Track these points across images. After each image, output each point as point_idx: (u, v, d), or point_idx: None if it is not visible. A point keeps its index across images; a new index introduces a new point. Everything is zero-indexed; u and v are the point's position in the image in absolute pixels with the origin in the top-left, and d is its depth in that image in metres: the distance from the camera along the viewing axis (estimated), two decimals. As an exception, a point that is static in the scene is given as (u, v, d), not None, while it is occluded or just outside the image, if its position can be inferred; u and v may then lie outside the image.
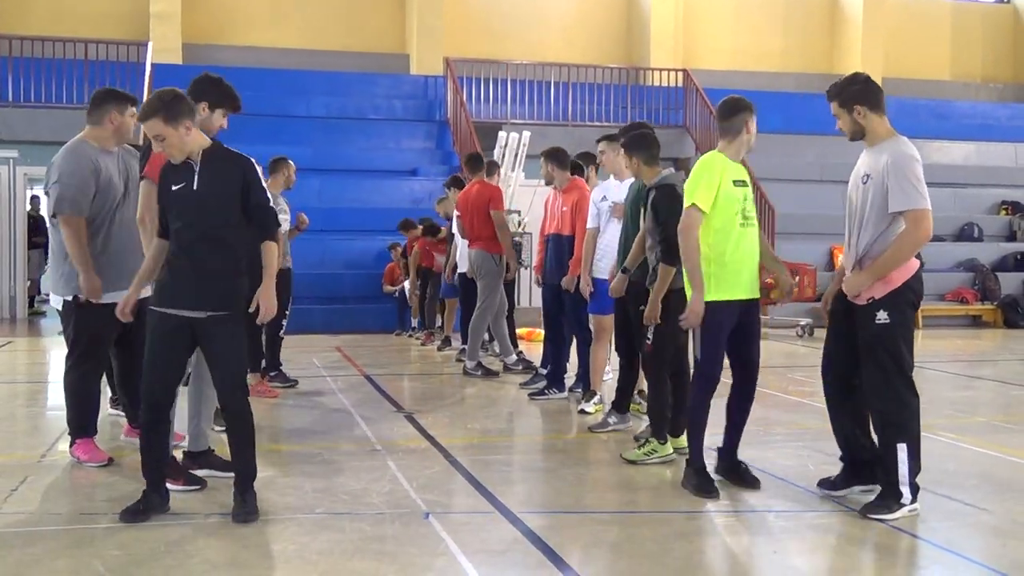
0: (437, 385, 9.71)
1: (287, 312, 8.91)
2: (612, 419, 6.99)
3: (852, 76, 5.12)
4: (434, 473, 5.78)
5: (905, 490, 4.82)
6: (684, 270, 5.36)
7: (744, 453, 6.33)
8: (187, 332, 4.75)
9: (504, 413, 8.04)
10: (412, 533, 4.62)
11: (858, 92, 4.98)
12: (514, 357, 10.01)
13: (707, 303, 5.22)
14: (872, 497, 4.98)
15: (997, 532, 4.82)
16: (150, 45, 17.30)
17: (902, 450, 4.82)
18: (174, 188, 4.76)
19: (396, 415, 7.73)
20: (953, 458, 6.36)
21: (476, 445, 6.70)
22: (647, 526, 4.84)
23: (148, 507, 4.71)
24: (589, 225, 7.64)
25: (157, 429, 4.76)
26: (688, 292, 5.31)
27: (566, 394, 8.42)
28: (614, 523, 4.88)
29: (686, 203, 5.29)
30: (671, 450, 6.09)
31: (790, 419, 7.50)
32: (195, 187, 4.72)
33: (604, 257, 7.41)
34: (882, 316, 4.87)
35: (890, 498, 4.83)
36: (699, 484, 5.32)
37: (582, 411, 7.62)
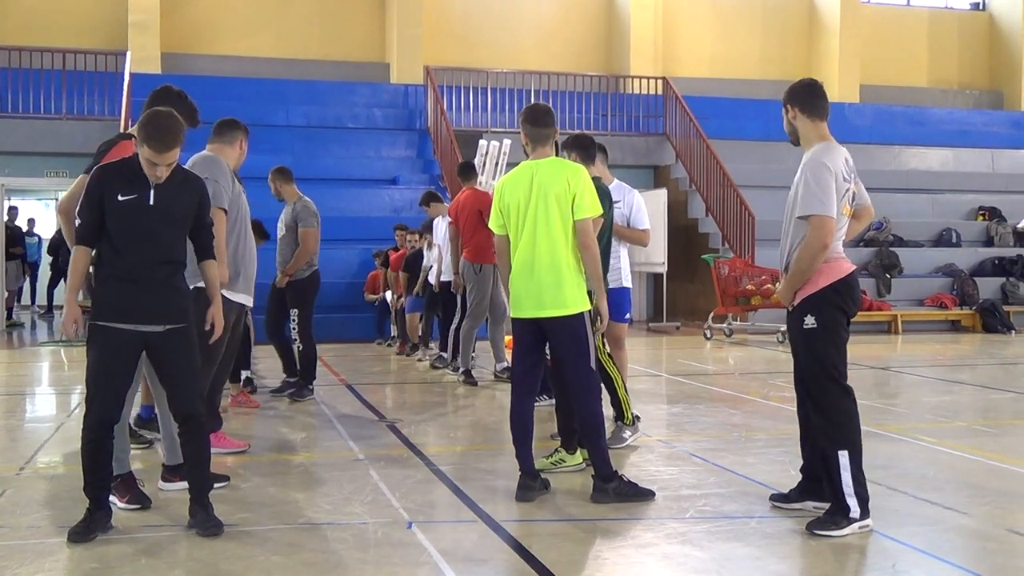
0: (419, 394, 9.70)
1: (294, 320, 8.88)
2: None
3: (801, 80, 5.05)
4: (416, 482, 5.77)
5: (852, 502, 4.67)
6: (597, 276, 5.40)
7: (725, 458, 6.38)
8: (139, 347, 4.71)
9: (487, 421, 8.04)
10: (395, 542, 4.61)
11: (794, 94, 4.94)
12: (505, 364, 10.02)
13: (588, 312, 5.37)
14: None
15: (977, 536, 4.84)
16: (128, 55, 17.23)
17: (843, 457, 4.69)
18: (121, 198, 4.61)
19: (378, 424, 7.72)
20: (933, 462, 6.40)
21: (459, 453, 6.70)
22: (630, 534, 4.84)
23: (94, 526, 4.62)
24: None
25: (104, 447, 4.70)
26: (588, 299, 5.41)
27: (553, 401, 8.42)
28: (596, 531, 4.88)
29: (595, 214, 5.37)
30: (580, 460, 6.03)
31: (771, 425, 7.53)
32: (151, 202, 4.65)
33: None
34: (809, 321, 4.79)
35: (838, 514, 4.70)
36: (638, 489, 5.35)
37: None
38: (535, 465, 5.71)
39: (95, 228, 4.66)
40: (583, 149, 6.52)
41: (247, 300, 6.30)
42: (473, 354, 10.79)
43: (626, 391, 6.70)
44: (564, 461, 6.00)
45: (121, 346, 4.67)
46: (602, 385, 5.94)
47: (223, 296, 5.46)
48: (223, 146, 6.36)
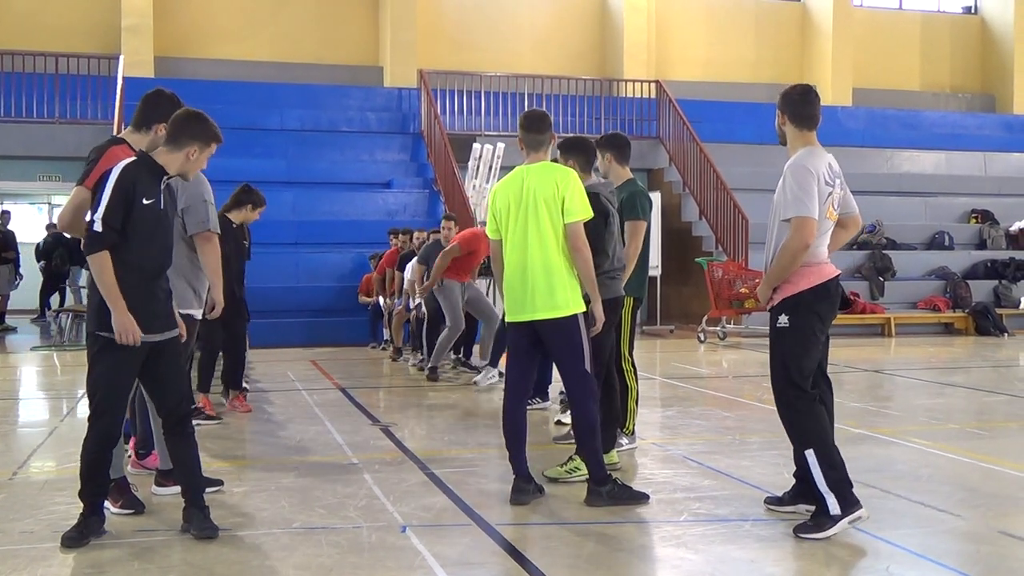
0: (413, 398, 9.69)
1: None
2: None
3: (796, 86, 5.06)
4: (411, 486, 5.76)
5: (830, 499, 4.68)
6: (589, 279, 5.38)
7: (720, 462, 6.38)
8: (147, 356, 4.67)
9: (481, 424, 8.03)
10: (389, 546, 4.61)
11: (787, 101, 4.96)
12: (486, 363, 10.31)
13: (583, 314, 5.37)
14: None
15: (971, 538, 4.85)
16: (121, 59, 17.21)
17: (810, 455, 4.73)
18: (146, 202, 4.55)
19: (372, 428, 7.71)
20: (927, 465, 6.40)
21: (453, 457, 6.69)
22: (624, 537, 4.85)
23: (88, 531, 4.60)
24: None
25: (107, 456, 4.69)
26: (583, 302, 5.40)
27: (548, 403, 8.44)
28: (591, 534, 4.88)
29: (585, 216, 5.35)
30: None
31: (765, 428, 7.53)
32: (162, 206, 4.64)
33: None
34: (782, 320, 4.85)
35: (821, 515, 4.73)
36: (632, 492, 5.36)
37: (558, 422, 7.62)
38: (548, 473, 5.75)
39: (121, 231, 4.49)
40: (583, 155, 6.47)
41: (198, 314, 6.26)
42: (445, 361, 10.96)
43: (636, 404, 6.72)
44: (579, 469, 5.79)
45: (136, 358, 4.62)
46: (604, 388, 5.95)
47: (190, 317, 5.83)
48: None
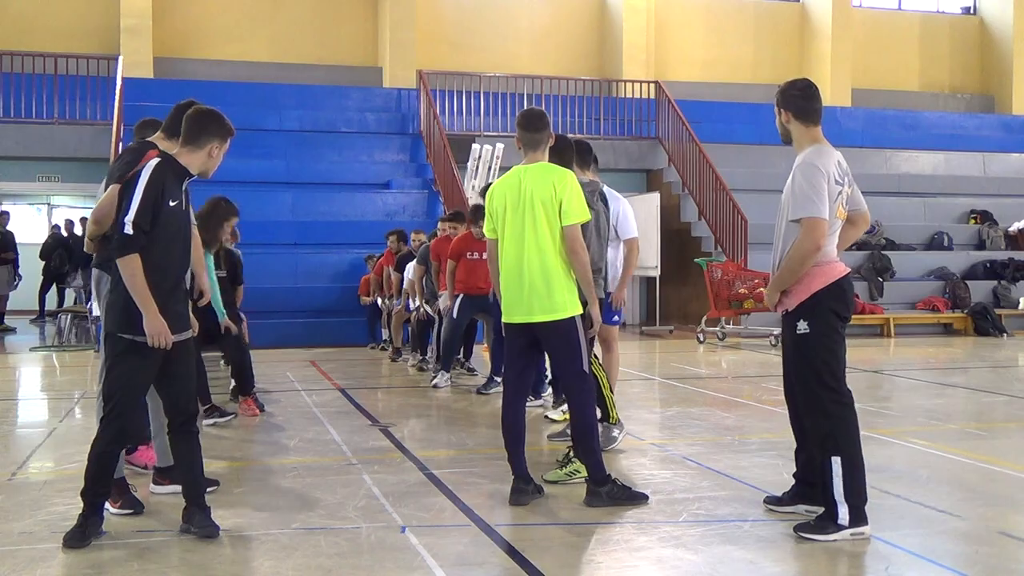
0: (412, 398, 9.69)
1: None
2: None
3: (794, 81, 4.99)
4: (410, 486, 5.76)
5: (842, 510, 4.65)
6: (586, 282, 5.36)
7: (719, 462, 6.38)
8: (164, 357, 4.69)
9: (479, 425, 8.03)
10: (388, 547, 4.61)
11: (788, 98, 4.91)
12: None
13: (580, 316, 5.36)
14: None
15: (970, 538, 4.85)
16: (120, 59, 17.20)
17: (834, 463, 4.66)
18: (172, 204, 4.58)
19: (371, 428, 7.71)
20: (926, 465, 6.41)
21: (452, 458, 6.69)
22: (622, 537, 4.84)
23: (90, 531, 4.59)
24: None
25: (116, 457, 4.70)
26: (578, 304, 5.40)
27: (540, 401, 8.44)
28: (589, 535, 4.88)
29: (583, 219, 5.34)
30: None
31: (764, 428, 7.54)
32: (184, 207, 4.69)
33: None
34: (802, 326, 4.75)
35: (827, 519, 4.70)
36: (631, 493, 5.36)
37: (547, 418, 7.63)
38: (548, 477, 5.74)
39: (148, 234, 4.51)
40: (579, 155, 6.59)
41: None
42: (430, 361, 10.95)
43: (611, 391, 6.72)
44: (579, 472, 5.76)
45: (158, 360, 4.63)
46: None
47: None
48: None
